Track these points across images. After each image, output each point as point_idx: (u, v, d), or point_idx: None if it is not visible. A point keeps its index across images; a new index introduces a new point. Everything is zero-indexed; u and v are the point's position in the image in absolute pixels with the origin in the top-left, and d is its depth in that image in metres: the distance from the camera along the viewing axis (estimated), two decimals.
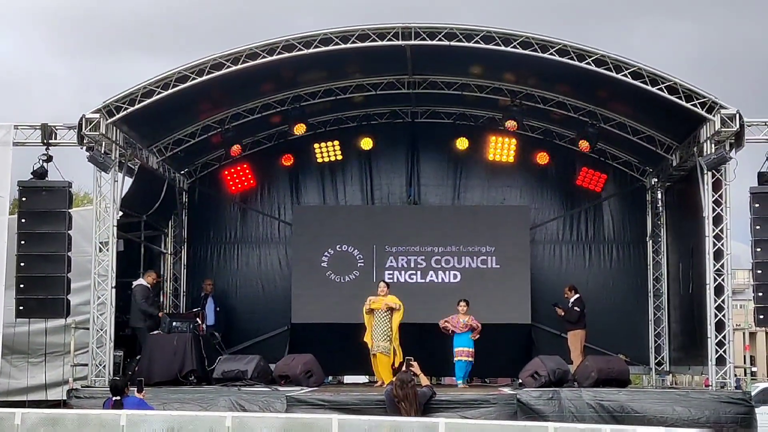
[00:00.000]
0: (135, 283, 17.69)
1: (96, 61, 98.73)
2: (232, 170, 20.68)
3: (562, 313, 18.66)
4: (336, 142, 20.61)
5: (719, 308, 15.83)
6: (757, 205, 15.77)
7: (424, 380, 14.74)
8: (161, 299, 19.48)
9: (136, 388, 12.50)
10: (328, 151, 20.63)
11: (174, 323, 16.89)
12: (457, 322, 17.38)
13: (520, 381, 16.34)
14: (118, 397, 12.02)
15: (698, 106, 15.69)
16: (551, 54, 15.79)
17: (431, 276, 19.95)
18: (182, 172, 20.57)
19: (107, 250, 16.33)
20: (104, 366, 15.96)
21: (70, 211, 16.33)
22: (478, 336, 17.29)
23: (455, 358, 17.37)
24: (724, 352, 15.71)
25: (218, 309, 19.62)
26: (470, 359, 17.30)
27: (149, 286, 17.79)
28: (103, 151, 16.22)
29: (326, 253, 19.96)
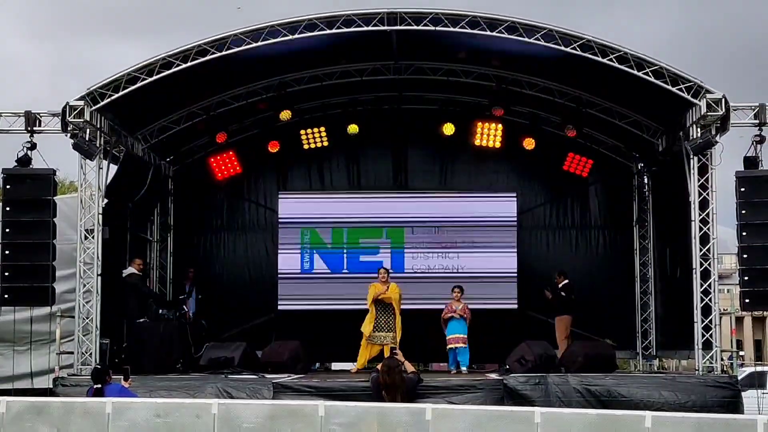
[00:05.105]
0: (126, 272, 17.56)
1: (67, 44, 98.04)
2: (218, 157, 20.57)
3: (551, 296, 18.69)
4: (322, 129, 20.51)
5: (705, 293, 15.87)
6: (743, 189, 15.75)
7: (410, 367, 14.73)
8: (148, 286, 19.40)
9: (122, 376, 12.45)
10: (314, 138, 20.53)
11: (160, 311, 16.85)
12: (451, 309, 17.42)
13: (507, 366, 16.35)
14: (99, 385, 11.96)
15: (684, 90, 15.68)
16: (537, 39, 15.76)
17: (418, 262, 19.94)
18: (168, 159, 20.47)
19: (92, 237, 16.26)
20: (90, 354, 15.93)
21: (54, 198, 16.24)
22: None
23: (450, 346, 17.38)
24: (711, 336, 15.74)
25: (200, 296, 19.55)
26: (466, 345, 17.34)
27: (140, 273, 17.75)
28: (87, 139, 16.14)
29: (313, 240, 19.94)
